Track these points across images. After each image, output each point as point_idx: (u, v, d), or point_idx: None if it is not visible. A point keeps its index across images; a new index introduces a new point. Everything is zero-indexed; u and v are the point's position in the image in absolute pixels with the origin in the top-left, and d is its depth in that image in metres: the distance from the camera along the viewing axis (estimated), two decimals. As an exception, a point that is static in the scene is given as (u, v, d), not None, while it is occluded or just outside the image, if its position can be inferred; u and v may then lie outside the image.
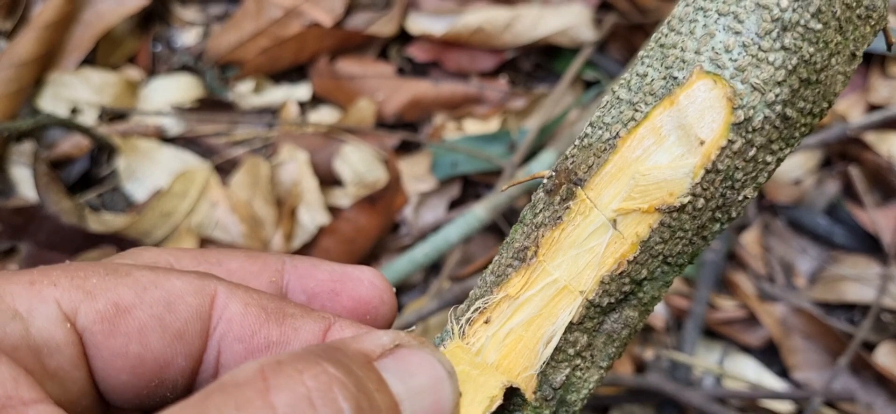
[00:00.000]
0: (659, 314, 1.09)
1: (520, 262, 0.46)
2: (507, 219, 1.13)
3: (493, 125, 1.20)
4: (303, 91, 1.26)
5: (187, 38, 1.33)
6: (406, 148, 1.21)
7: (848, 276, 1.09)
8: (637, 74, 0.44)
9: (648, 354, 1.07)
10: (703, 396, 1.00)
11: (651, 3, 1.20)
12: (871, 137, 1.14)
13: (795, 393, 1.02)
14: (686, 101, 0.42)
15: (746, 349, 1.09)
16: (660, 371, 1.04)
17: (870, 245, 1.12)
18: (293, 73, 1.29)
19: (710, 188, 0.42)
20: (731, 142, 0.41)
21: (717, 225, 0.44)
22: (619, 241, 0.43)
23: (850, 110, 1.19)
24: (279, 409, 0.29)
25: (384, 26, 1.26)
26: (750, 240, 1.14)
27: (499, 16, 1.21)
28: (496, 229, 1.14)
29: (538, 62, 1.28)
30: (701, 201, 0.42)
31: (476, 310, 0.47)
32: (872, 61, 1.21)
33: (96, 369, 0.37)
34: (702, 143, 0.41)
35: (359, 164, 1.16)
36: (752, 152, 0.41)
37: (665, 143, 0.42)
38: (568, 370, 0.46)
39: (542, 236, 0.45)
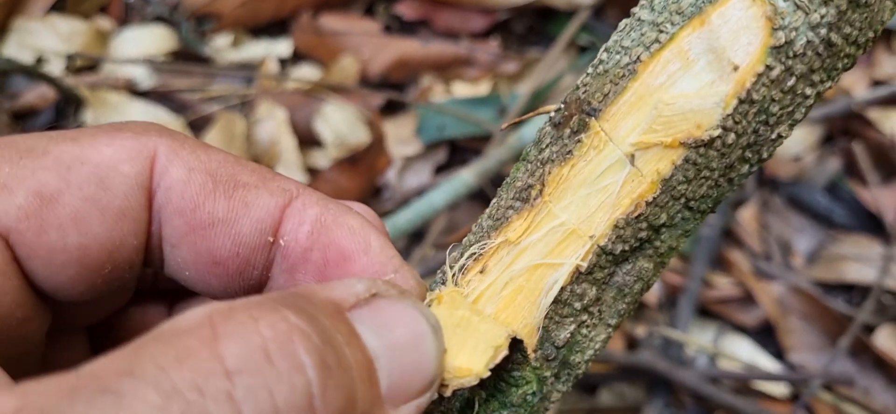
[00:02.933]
0: (652, 290, 1.04)
1: (522, 202, 0.41)
2: (495, 185, 1.08)
3: (483, 88, 1.16)
4: (283, 47, 1.21)
5: (163, -12, 1.27)
6: (391, 109, 1.16)
7: (848, 255, 1.05)
8: (662, -8, 0.39)
9: (640, 331, 1.02)
10: (697, 376, 0.96)
11: (652, -35, 1.16)
12: (874, 114, 1.11)
13: (792, 375, 0.99)
14: (719, 21, 0.37)
15: (741, 329, 1.06)
16: (652, 349, 1.00)
17: (870, 225, 1.09)
18: (274, 27, 1.24)
19: (742, 122, 0.37)
20: (768, 68, 0.36)
21: (746, 166, 0.39)
22: (637, 179, 0.38)
23: (854, 86, 1.16)
24: (228, 361, 0.24)
25: (371, -19, 1.21)
26: (747, 216, 1.10)
27: (492, -26, 1.16)
28: (484, 196, 1.09)
29: (532, 24, 1.24)
30: (731, 136, 0.37)
31: (470, 256, 0.42)
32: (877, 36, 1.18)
33: (33, 271, 0.31)
34: (735, 68, 0.36)
35: (340, 124, 1.11)
36: (790, 82, 0.37)
37: (693, 68, 0.37)
38: (573, 327, 0.41)
39: (549, 174, 0.40)
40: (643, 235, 0.39)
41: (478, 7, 1.20)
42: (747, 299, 1.05)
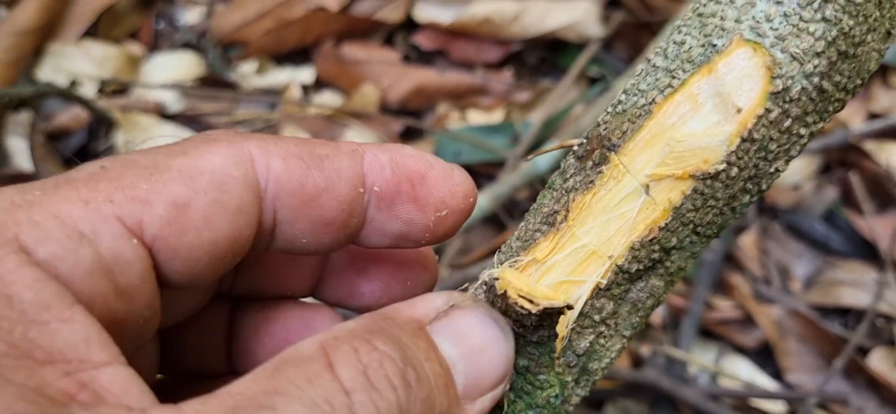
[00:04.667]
0: (656, 312, 1.09)
1: (548, 226, 0.46)
2: (507, 210, 1.13)
3: (496, 117, 1.21)
4: (306, 74, 1.25)
5: (190, 16, 1.32)
6: (409, 135, 1.21)
7: (844, 280, 1.10)
8: (674, 42, 0.44)
9: (645, 350, 1.07)
10: (698, 394, 1.00)
11: (660, 2, 1.21)
12: (870, 146, 1.15)
13: (789, 394, 1.03)
14: (724, 69, 0.42)
15: (741, 350, 1.10)
16: (656, 367, 1.04)
17: (866, 252, 1.14)
18: (297, 55, 1.28)
19: (744, 157, 0.42)
20: (768, 111, 0.41)
21: (747, 196, 0.44)
22: (652, 207, 0.43)
23: (851, 118, 1.20)
24: (345, 382, 0.32)
25: (391, 13, 1.26)
26: (748, 242, 1.15)
27: (507, 7, 1.21)
28: (496, 221, 1.14)
29: (544, 56, 1.28)
30: (734, 170, 0.42)
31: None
32: (874, 72, 1.23)
33: (172, 270, 0.37)
34: (739, 111, 0.41)
35: (361, 149, 1.16)
36: (787, 123, 0.41)
37: (702, 110, 0.42)
38: (592, 337, 0.46)
39: (573, 201, 0.45)
40: (656, 256, 0.44)
41: (492, 39, 1.25)
42: (747, 321, 1.10)
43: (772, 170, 0.43)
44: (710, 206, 0.43)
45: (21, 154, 1.17)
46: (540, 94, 1.22)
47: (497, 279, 0.41)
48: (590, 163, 0.45)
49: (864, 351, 1.06)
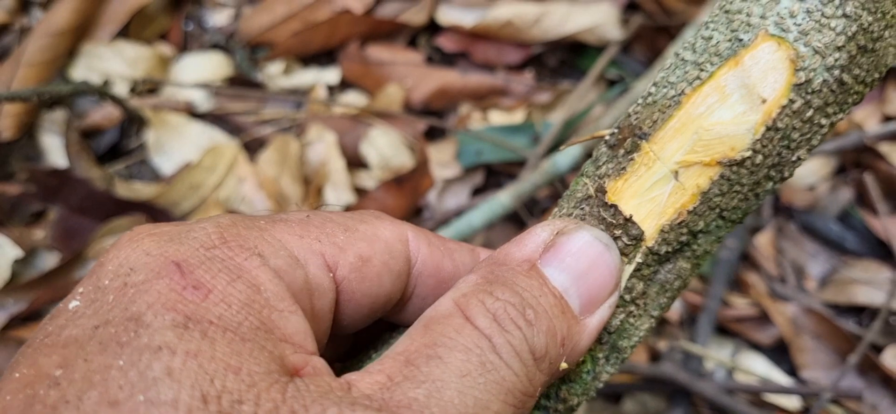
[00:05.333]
0: (674, 308, 1.11)
1: (582, 211, 0.48)
2: (528, 208, 1.16)
3: (517, 117, 1.23)
4: (332, 75, 1.28)
5: (219, 18, 1.35)
6: (432, 135, 1.24)
7: (858, 279, 1.12)
8: (702, 38, 0.46)
9: (662, 345, 1.09)
10: (714, 388, 1.02)
11: (678, 6, 1.24)
12: (885, 148, 1.17)
13: (804, 389, 1.05)
14: (750, 62, 0.44)
15: (757, 347, 1.12)
16: (673, 362, 1.07)
17: (881, 252, 1.16)
18: (323, 56, 1.31)
19: (768, 145, 0.44)
20: (791, 101, 0.43)
21: (771, 183, 0.46)
22: (680, 191, 0.46)
23: (867, 120, 1.22)
24: (484, 330, 0.39)
25: (414, 15, 1.29)
26: (764, 242, 1.17)
27: (528, 11, 1.24)
28: (517, 218, 1.16)
29: (564, 58, 1.31)
30: (759, 157, 0.44)
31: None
32: (889, 75, 1.25)
33: (344, 312, 0.45)
34: (764, 101, 0.44)
35: (385, 148, 1.19)
36: (809, 113, 0.44)
37: (728, 100, 0.45)
38: (623, 316, 0.49)
39: (606, 186, 0.48)
40: (684, 238, 0.47)
41: (513, 41, 1.28)
42: (763, 319, 1.12)
43: (794, 158, 0.46)
44: (735, 191, 0.46)
45: (55, 150, 1.20)
46: (560, 95, 1.25)
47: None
48: (622, 151, 0.47)
49: (878, 349, 1.08)
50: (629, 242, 0.46)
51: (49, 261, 1.12)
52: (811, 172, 1.21)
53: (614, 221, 0.46)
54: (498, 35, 1.27)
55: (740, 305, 1.13)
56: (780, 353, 1.12)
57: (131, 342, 0.33)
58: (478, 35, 1.28)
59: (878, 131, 1.12)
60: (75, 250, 1.08)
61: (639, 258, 0.47)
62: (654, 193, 0.47)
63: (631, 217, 0.46)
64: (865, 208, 1.19)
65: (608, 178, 0.48)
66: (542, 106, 1.24)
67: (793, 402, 1.07)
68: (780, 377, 1.09)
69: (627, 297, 0.48)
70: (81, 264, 1.09)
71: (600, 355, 0.50)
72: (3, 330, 1.05)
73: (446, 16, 1.29)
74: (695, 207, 0.46)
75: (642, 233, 0.46)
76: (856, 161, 1.21)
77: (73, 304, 0.36)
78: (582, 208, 0.48)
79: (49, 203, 1.11)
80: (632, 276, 0.47)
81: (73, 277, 1.08)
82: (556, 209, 0.50)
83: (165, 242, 0.38)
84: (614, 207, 0.46)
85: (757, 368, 1.10)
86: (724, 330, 1.13)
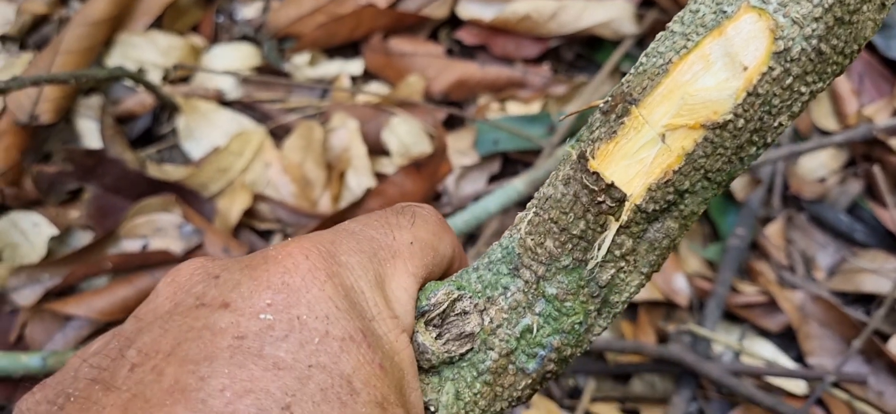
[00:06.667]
0: (682, 293, 1.14)
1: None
2: (543, 195, 1.19)
3: (534, 108, 1.27)
4: (355, 66, 1.33)
5: (248, 11, 1.40)
6: (451, 124, 1.28)
7: (866, 268, 1.14)
8: (690, 11, 0.50)
9: (671, 327, 1.12)
10: (721, 369, 1.05)
11: (691, 1, 1.27)
12: (894, 141, 1.19)
13: (809, 372, 1.08)
14: (733, 32, 0.48)
15: (764, 333, 1.15)
16: (681, 344, 1.10)
17: (889, 243, 1.18)
18: (347, 48, 1.36)
19: (750, 110, 0.47)
20: (771, 68, 0.46)
21: (754, 148, 0.49)
22: (667, 153, 0.49)
23: (877, 114, 1.24)
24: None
25: (436, 9, 1.33)
26: (773, 231, 1.19)
27: (546, 5, 1.28)
28: (532, 205, 1.20)
29: (580, 52, 1.34)
30: (741, 121, 0.48)
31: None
32: (899, 71, 1.27)
33: None
34: (745, 68, 0.47)
35: (406, 136, 1.23)
36: (788, 80, 0.47)
37: (712, 68, 0.48)
38: (613, 271, 0.52)
39: (598, 149, 0.51)
40: (670, 198, 0.50)
41: (531, 35, 1.31)
42: (771, 306, 1.14)
43: (776, 123, 0.49)
44: (719, 153, 0.49)
45: (90, 134, 1.26)
46: (576, 87, 1.29)
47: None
48: (613, 116, 0.51)
49: (884, 337, 1.10)
50: (613, 203, 0.50)
51: (82, 239, 1.18)
52: (821, 165, 1.24)
53: (596, 187, 0.50)
54: (516, 29, 1.31)
55: (749, 292, 1.15)
56: (787, 339, 1.14)
57: (348, 405, 0.34)
58: (497, 29, 1.32)
59: (888, 124, 1.14)
60: (109, 228, 1.13)
61: (626, 215, 0.50)
62: (642, 155, 0.50)
63: (613, 183, 0.49)
64: (874, 200, 1.21)
65: (600, 142, 0.51)
66: (558, 97, 1.28)
67: (798, 386, 1.09)
68: (786, 363, 1.11)
69: (617, 252, 0.51)
70: (114, 242, 1.14)
71: (592, 308, 0.53)
72: (39, 303, 1.10)
73: (466, 10, 1.33)
74: (680, 167, 0.49)
75: (624, 195, 0.49)
76: (865, 154, 1.23)
77: (265, 316, 0.36)
78: (569, 172, 0.52)
79: (85, 182, 1.17)
80: (620, 232, 0.51)
81: (106, 253, 1.13)
82: (553, 172, 0.54)
83: (344, 298, 0.39)
84: (596, 173, 0.50)
85: (764, 353, 1.12)
86: (732, 316, 1.16)
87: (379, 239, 0.45)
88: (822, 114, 1.29)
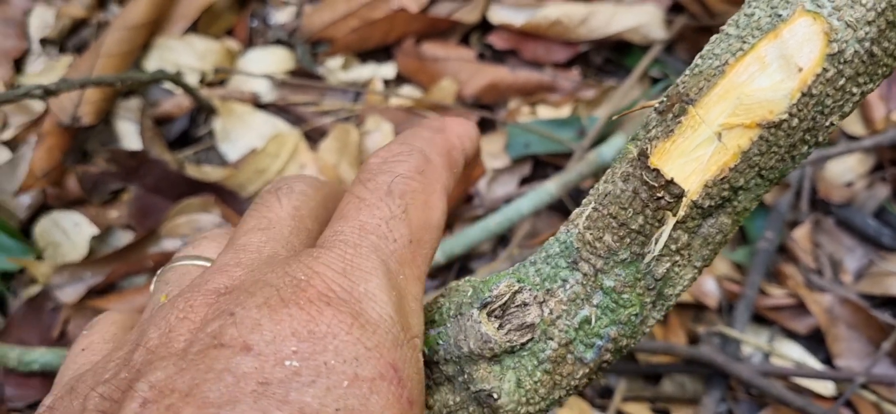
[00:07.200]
0: (712, 295, 1.16)
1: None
2: (573, 198, 1.21)
3: (564, 112, 1.29)
4: (388, 70, 1.35)
5: (282, 15, 1.43)
6: (482, 127, 1.30)
7: (893, 272, 1.16)
8: (744, 15, 0.52)
9: (701, 329, 1.14)
10: (751, 370, 1.07)
11: (721, 7, 1.29)
12: (921, 147, 1.21)
13: (837, 374, 1.09)
14: (788, 35, 0.50)
15: (793, 335, 1.16)
16: (711, 345, 1.11)
17: (916, 247, 1.19)
18: (380, 53, 1.38)
19: (803, 110, 0.49)
20: (825, 70, 0.48)
21: (805, 146, 0.51)
22: (723, 151, 0.51)
23: (903, 120, 1.26)
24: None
25: (467, 14, 1.36)
26: (801, 235, 1.21)
27: (576, 11, 1.30)
28: (563, 207, 1.22)
29: (609, 57, 1.36)
30: (795, 121, 0.49)
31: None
32: (926, 78, 1.29)
33: None
34: (800, 70, 0.49)
35: (438, 138, 1.25)
36: (841, 82, 0.49)
37: (768, 69, 0.50)
38: (668, 264, 0.54)
39: (655, 147, 0.53)
40: (725, 194, 0.52)
41: (561, 40, 1.33)
42: (799, 308, 1.16)
43: (827, 123, 0.51)
44: (773, 151, 0.51)
45: (129, 136, 1.29)
46: (605, 92, 1.31)
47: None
48: (670, 115, 0.53)
49: (912, 339, 1.12)
50: (671, 199, 0.52)
51: (122, 238, 1.20)
52: (849, 169, 1.25)
53: (656, 183, 0.52)
54: (546, 34, 1.33)
55: (777, 295, 1.17)
56: (815, 341, 1.16)
57: None
58: (527, 34, 1.34)
59: (915, 130, 1.16)
60: (149, 228, 1.16)
61: (683, 211, 0.52)
62: (698, 153, 0.52)
63: (672, 179, 0.51)
64: (902, 205, 1.22)
65: (657, 140, 0.53)
66: (588, 101, 1.30)
67: (826, 387, 1.11)
68: (815, 365, 1.13)
69: (673, 247, 0.53)
70: (155, 241, 1.17)
71: (648, 301, 0.55)
72: (82, 300, 1.13)
73: (497, 15, 1.36)
74: (736, 165, 0.51)
75: (683, 191, 0.52)
76: (893, 159, 1.25)
77: (290, 363, 0.34)
78: (628, 169, 0.54)
79: (127, 182, 1.20)
80: (677, 227, 0.53)
81: (147, 251, 1.16)
82: (609, 170, 0.56)
83: (373, 334, 0.38)
84: (657, 170, 0.52)
85: (792, 354, 1.14)
86: (761, 318, 1.17)
87: (383, 248, 0.43)
88: (849, 119, 1.31)
